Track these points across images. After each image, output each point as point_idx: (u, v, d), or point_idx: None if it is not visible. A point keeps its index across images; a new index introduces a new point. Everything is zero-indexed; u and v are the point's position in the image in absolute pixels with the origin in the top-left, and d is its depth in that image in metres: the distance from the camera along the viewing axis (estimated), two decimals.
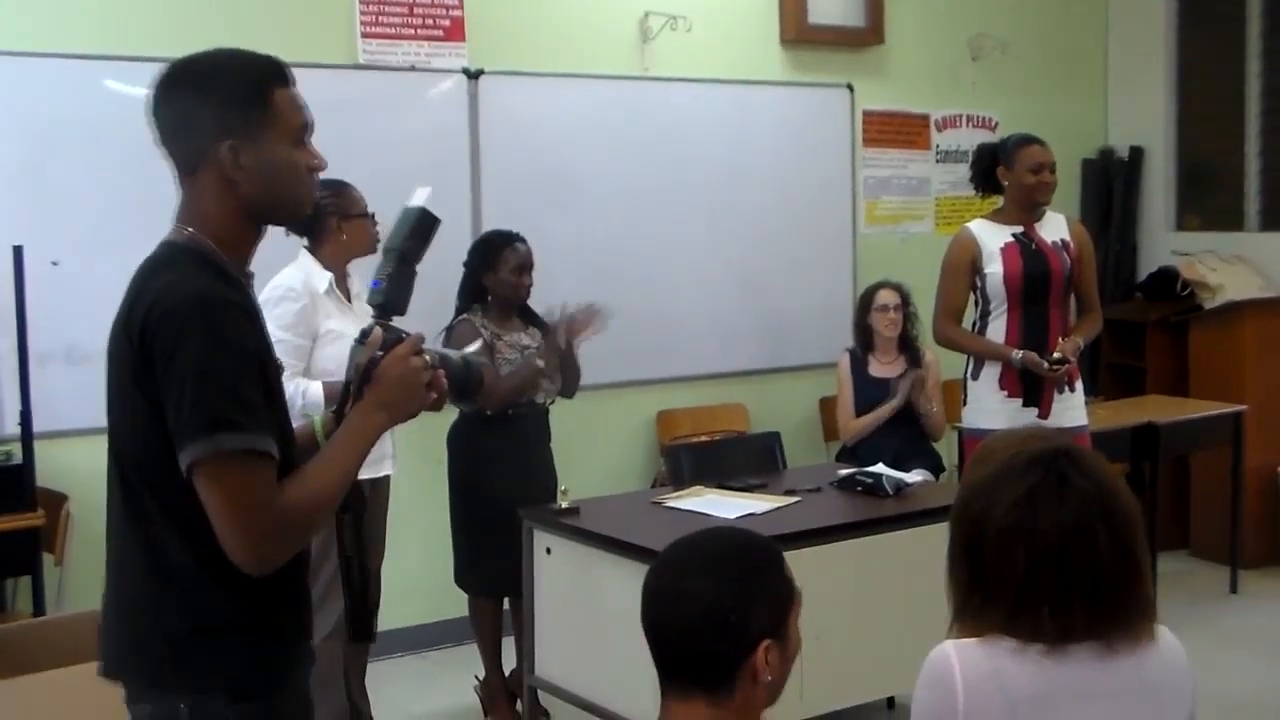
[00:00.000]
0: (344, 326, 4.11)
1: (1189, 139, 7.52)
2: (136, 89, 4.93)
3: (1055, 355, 4.64)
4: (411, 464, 4.69)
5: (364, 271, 4.42)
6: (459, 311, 4.72)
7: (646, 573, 1.94)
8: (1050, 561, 1.86)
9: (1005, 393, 4.70)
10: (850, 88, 6.71)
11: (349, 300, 4.25)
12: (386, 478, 4.40)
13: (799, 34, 6.47)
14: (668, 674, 1.89)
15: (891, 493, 4.43)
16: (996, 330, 4.75)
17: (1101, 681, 1.89)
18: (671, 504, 4.35)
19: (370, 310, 2.23)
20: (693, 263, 6.23)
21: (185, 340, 1.90)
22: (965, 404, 4.86)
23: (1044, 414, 4.67)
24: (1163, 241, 7.49)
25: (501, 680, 4.86)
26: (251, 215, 2.08)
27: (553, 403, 4.84)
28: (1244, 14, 7.16)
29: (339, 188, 4.23)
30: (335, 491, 2.06)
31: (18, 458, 4.56)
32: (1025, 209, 4.78)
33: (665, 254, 6.14)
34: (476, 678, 4.92)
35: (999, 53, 7.10)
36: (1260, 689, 5.01)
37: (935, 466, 5.86)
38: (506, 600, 4.85)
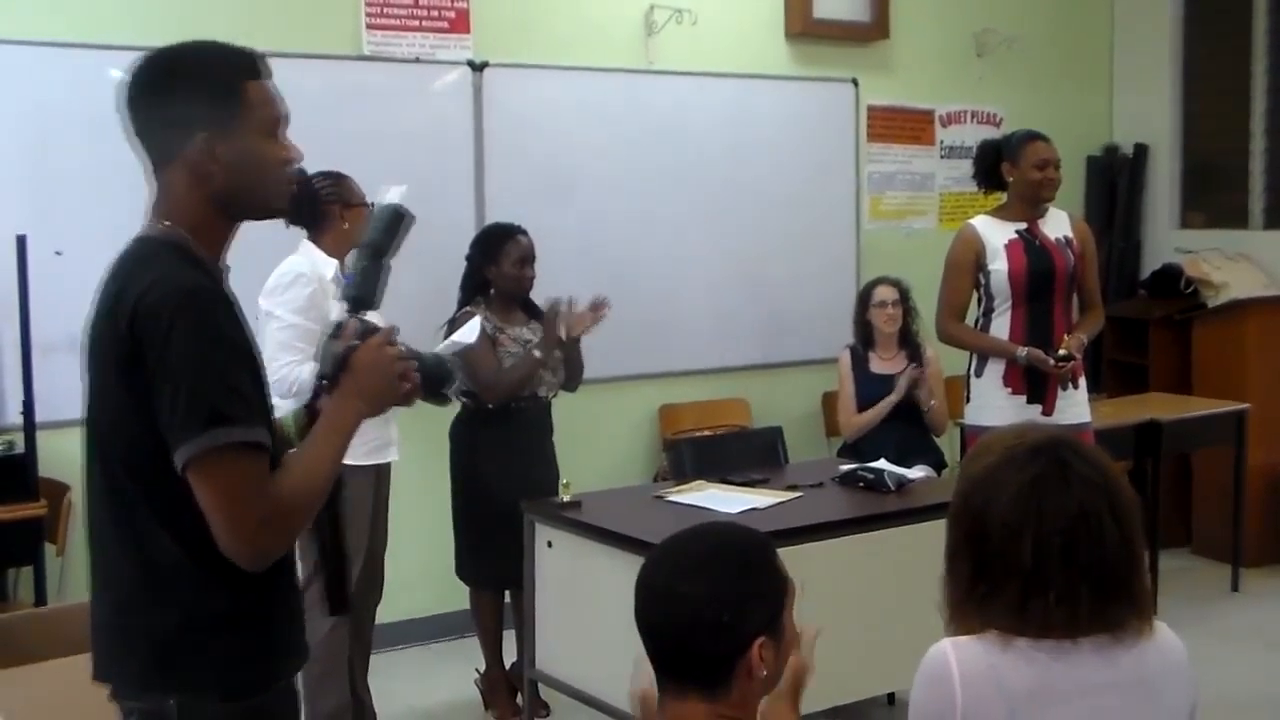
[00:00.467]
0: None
1: (1194, 136, 7.51)
2: None
3: (1061, 352, 4.64)
4: (413, 457, 4.69)
5: None
6: (462, 304, 4.72)
7: (639, 572, 1.94)
8: (1057, 549, 1.85)
9: (1009, 389, 4.70)
10: (855, 82, 6.70)
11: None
12: (389, 465, 4.41)
13: (804, 28, 6.46)
14: (663, 672, 1.89)
15: (893, 488, 4.44)
16: (1000, 327, 4.74)
17: (1100, 678, 1.89)
18: (673, 498, 4.35)
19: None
20: (696, 256, 6.22)
21: (177, 333, 1.88)
22: (969, 401, 4.84)
23: (1048, 411, 4.66)
24: (1167, 239, 7.48)
25: (502, 673, 4.86)
26: (224, 209, 2.06)
27: (554, 396, 4.84)
28: (1250, 12, 7.14)
29: (338, 178, 4.24)
30: (324, 482, 2.06)
31: (20, 447, 4.56)
32: (1030, 206, 4.77)
33: (668, 247, 6.14)
34: (477, 670, 4.92)
35: (1004, 48, 7.09)
36: (1262, 687, 5.00)
37: (938, 462, 5.85)
38: (507, 593, 4.85)
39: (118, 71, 5.38)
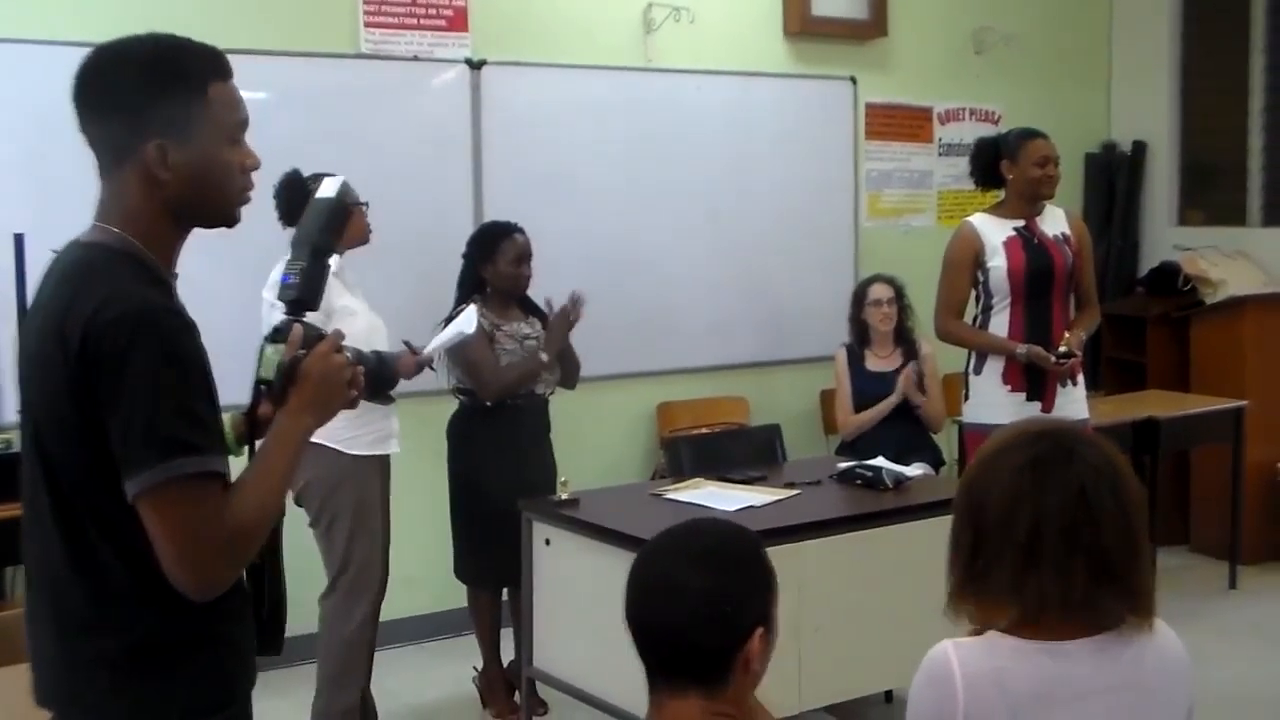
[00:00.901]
0: (355, 304, 4.15)
1: (1192, 134, 7.51)
2: None
3: (1061, 349, 4.64)
4: (411, 455, 4.69)
5: (359, 265, 4.43)
6: (458, 302, 4.71)
7: (632, 570, 1.93)
8: (1054, 525, 1.85)
9: (1009, 387, 4.70)
10: (853, 80, 6.70)
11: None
12: (389, 457, 4.42)
13: (802, 26, 6.46)
14: (661, 671, 1.88)
15: (891, 486, 4.44)
16: (999, 325, 4.74)
17: (1101, 678, 1.89)
18: (671, 496, 4.35)
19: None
20: (694, 254, 6.22)
21: (133, 358, 1.78)
22: (967, 399, 4.85)
23: (1047, 408, 4.66)
24: (1165, 236, 7.48)
25: (500, 671, 4.86)
26: (177, 216, 1.96)
27: (552, 393, 4.84)
28: (1248, 9, 7.14)
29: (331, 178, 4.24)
30: (276, 502, 1.96)
31: (16, 447, 4.56)
32: (1029, 203, 4.77)
33: (667, 245, 6.14)
34: (475, 668, 4.92)
35: (1002, 46, 7.09)
36: (1259, 684, 5.01)
37: (935, 460, 5.85)
38: (505, 591, 4.85)
39: None
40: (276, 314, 2.11)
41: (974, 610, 1.92)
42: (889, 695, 4.70)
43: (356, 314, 4.13)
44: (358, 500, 4.26)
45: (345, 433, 4.10)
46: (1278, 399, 6.48)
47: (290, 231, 4.18)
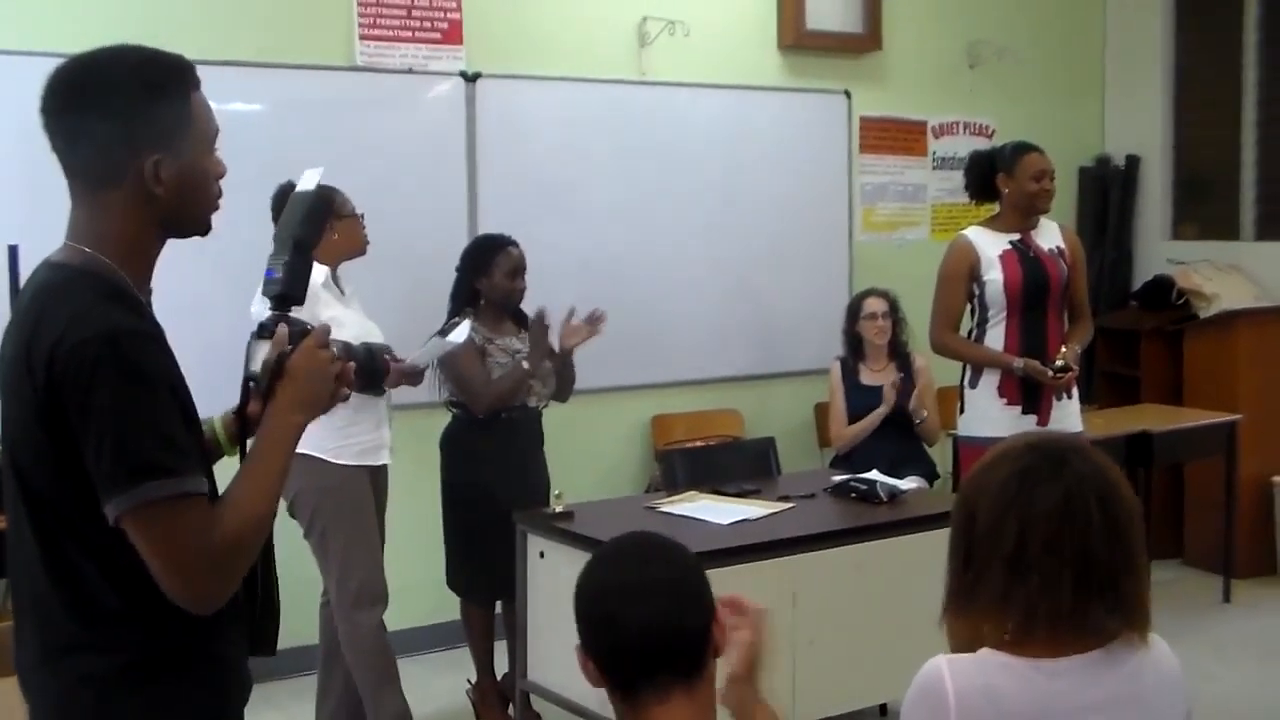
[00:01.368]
0: (344, 314, 4.15)
1: (1185, 148, 7.53)
2: None
3: (1058, 363, 4.64)
4: (404, 467, 4.69)
5: (355, 276, 4.43)
6: (452, 315, 4.71)
7: (590, 589, 1.92)
8: (1040, 535, 1.85)
9: (1004, 400, 4.70)
10: (848, 94, 6.71)
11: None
12: (384, 467, 4.42)
13: (797, 40, 6.47)
14: (648, 674, 1.87)
15: (885, 499, 4.44)
16: (995, 338, 4.74)
17: (1096, 696, 1.88)
18: (665, 509, 4.35)
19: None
20: (689, 267, 6.23)
21: (100, 381, 1.76)
22: (962, 412, 4.85)
23: (1043, 421, 4.67)
24: (1158, 250, 7.49)
25: (494, 684, 4.85)
26: (164, 229, 1.95)
27: (545, 406, 4.83)
28: (1241, 23, 7.16)
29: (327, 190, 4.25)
30: (270, 506, 1.93)
31: None
32: (1024, 216, 4.78)
33: (662, 258, 6.14)
34: (469, 681, 4.91)
35: (996, 60, 7.10)
36: (1253, 698, 5.01)
37: (930, 473, 5.86)
38: (499, 604, 4.85)
39: None
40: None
41: (965, 623, 1.92)
42: (884, 709, 4.69)
43: (345, 325, 4.12)
44: (350, 510, 4.25)
45: (331, 442, 4.10)
46: (1271, 412, 6.49)
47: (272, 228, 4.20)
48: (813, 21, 6.49)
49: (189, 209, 1.95)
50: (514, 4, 5.80)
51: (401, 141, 5.47)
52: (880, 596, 4.11)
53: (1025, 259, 4.73)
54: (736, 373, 6.43)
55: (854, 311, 6.01)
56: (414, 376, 4.25)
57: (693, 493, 4.56)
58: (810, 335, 6.48)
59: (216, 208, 2.00)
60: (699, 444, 5.96)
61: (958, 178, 5.30)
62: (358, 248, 4.32)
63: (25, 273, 4.37)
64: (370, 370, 2.22)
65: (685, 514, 4.25)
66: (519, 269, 4.72)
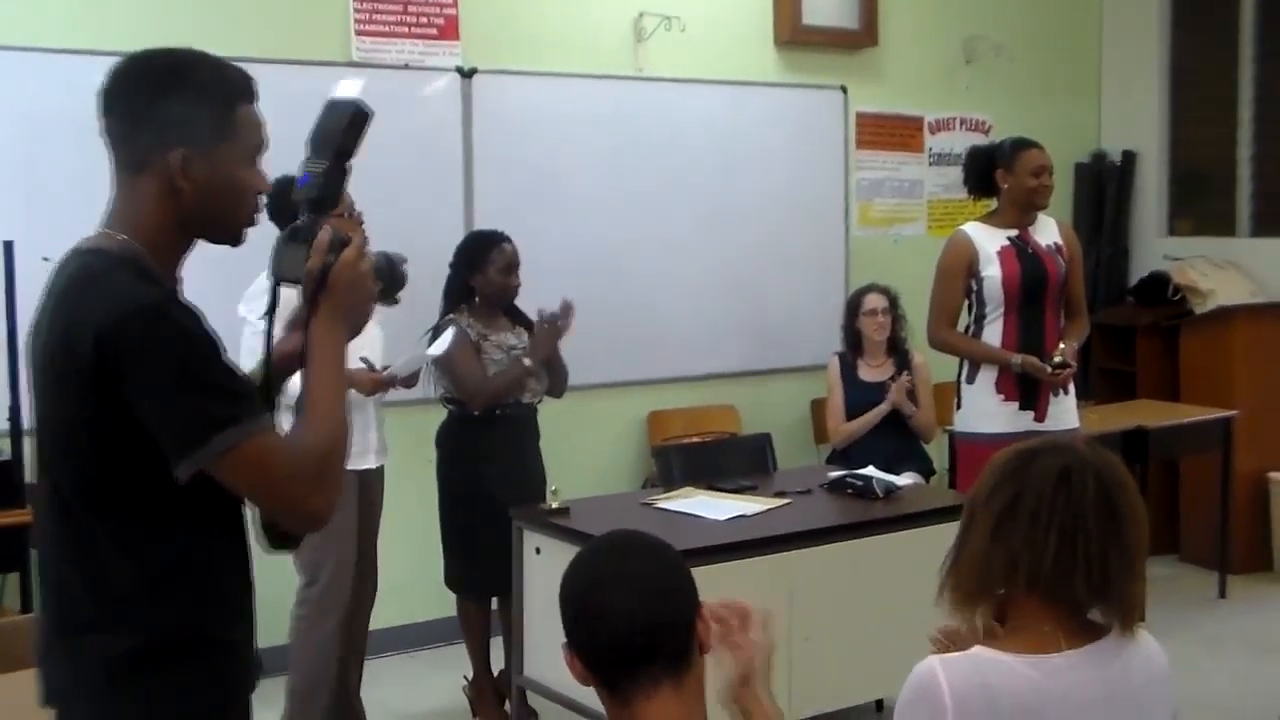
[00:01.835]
0: None
1: (1182, 144, 7.53)
2: None
3: (1057, 359, 4.64)
4: (400, 463, 4.69)
5: None
6: (445, 312, 4.71)
7: (572, 589, 1.93)
8: (1034, 496, 1.90)
9: (1002, 396, 4.69)
10: (844, 89, 6.71)
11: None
12: (379, 469, 4.41)
13: (793, 35, 6.47)
14: (634, 668, 1.87)
15: (881, 495, 4.44)
16: (993, 334, 4.74)
17: (1090, 689, 1.89)
18: (662, 505, 4.35)
19: None
20: (685, 263, 6.22)
21: (151, 346, 1.82)
22: (959, 408, 4.85)
23: (1040, 417, 4.67)
24: (1154, 246, 7.49)
25: (490, 680, 4.85)
26: (187, 228, 1.99)
27: (540, 402, 4.83)
28: (1237, 19, 7.17)
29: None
30: (341, 412, 2.00)
31: (6, 453, 4.54)
32: (1023, 212, 4.78)
33: (657, 254, 6.14)
34: (465, 677, 4.91)
35: (993, 55, 7.10)
36: (1248, 694, 5.01)
37: (926, 469, 5.86)
38: (495, 600, 4.85)
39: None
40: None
41: (955, 594, 1.95)
42: (879, 704, 4.69)
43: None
44: None
45: None
46: (1267, 408, 6.50)
47: (276, 233, 4.18)
48: (809, 17, 6.49)
49: (215, 213, 1.98)
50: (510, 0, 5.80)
51: (397, 137, 5.45)
52: (876, 592, 4.11)
53: (1023, 255, 4.73)
54: (733, 368, 6.43)
55: (854, 307, 6.02)
56: (397, 383, 4.25)
57: (689, 489, 4.55)
58: (807, 331, 6.49)
59: (252, 222, 2.05)
60: (695, 440, 5.96)
61: (954, 173, 5.30)
62: None
63: (20, 269, 4.42)
64: (391, 280, 2.23)
65: (681, 510, 4.25)
66: (513, 265, 4.72)
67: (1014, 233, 4.76)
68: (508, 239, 4.74)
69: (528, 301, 4.79)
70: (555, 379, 4.83)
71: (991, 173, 4.79)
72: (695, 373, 6.33)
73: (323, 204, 2.05)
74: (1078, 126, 7.58)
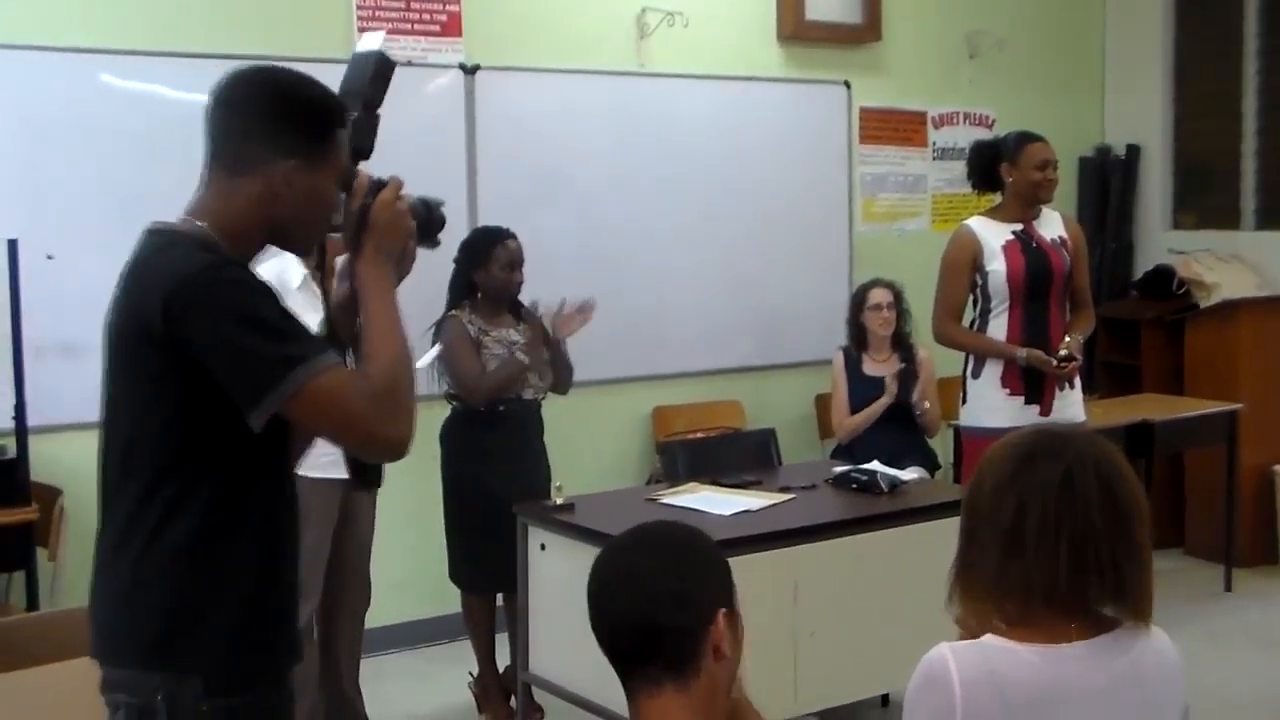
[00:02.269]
0: (309, 321, 4.09)
1: (1186, 137, 7.53)
2: (131, 83, 4.94)
3: (1062, 353, 4.63)
4: (404, 460, 4.68)
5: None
6: (450, 307, 4.71)
7: (590, 580, 1.93)
8: (1038, 510, 1.88)
9: (1007, 390, 4.68)
10: (847, 84, 6.71)
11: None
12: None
13: (796, 30, 6.46)
14: (631, 665, 1.87)
15: (886, 490, 4.43)
16: (998, 328, 4.73)
17: (1100, 680, 1.89)
18: (666, 500, 4.35)
19: None
20: (689, 259, 6.22)
21: (215, 298, 1.93)
22: (965, 402, 4.84)
23: (1045, 411, 4.66)
24: (1159, 239, 7.49)
25: (495, 677, 4.85)
26: (271, 232, 2.10)
27: (542, 398, 4.83)
28: (1241, 13, 7.16)
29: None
30: (403, 341, 2.10)
31: (11, 452, 4.55)
32: (1027, 206, 4.77)
33: (661, 250, 6.14)
34: (470, 674, 4.91)
35: (996, 50, 7.10)
36: (1254, 687, 5.01)
37: (931, 464, 5.86)
38: (500, 596, 4.85)
39: (110, 77, 5.38)
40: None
41: (967, 603, 1.94)
42: (885, 699, 4.69)
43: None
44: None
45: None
46: (1272, 401, 6.49)
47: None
48: (812, 12, 6.49)
49: (302, 223, 2.10)
50: None
51: (400, 134, 5.38)
52: (881, 587, 4.11)
53: (1028, 249, 4.72)
54: (737, 364, 6.43)
55: (859, 302, 6.02)
56: None
57: (693, 484, 4.55)
58: (811, 326, 6.49)
59: (324, 237, 2.21)
60: (700, 435, 5.96)
61: (958, 168, 5.29)
62: None
63: (24, 267, 4.42)
64: (429, 222, 2.28)
65: (686, 505, 4.25)
66: (516, 261, 4.72)
67: (1018, 227, 4.76)
68: (512, 235, 4.74)
69: (531, 297, 4.79)
70: (560, 376, 4.83)
71: (996, 167, 4.79)
72: (699, 368, 6.33)
73: (358, 153, 2.16)
74: (1081, 120, 7.57)
